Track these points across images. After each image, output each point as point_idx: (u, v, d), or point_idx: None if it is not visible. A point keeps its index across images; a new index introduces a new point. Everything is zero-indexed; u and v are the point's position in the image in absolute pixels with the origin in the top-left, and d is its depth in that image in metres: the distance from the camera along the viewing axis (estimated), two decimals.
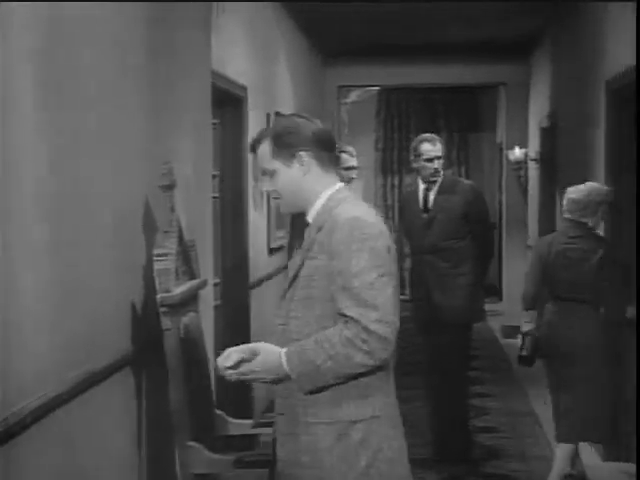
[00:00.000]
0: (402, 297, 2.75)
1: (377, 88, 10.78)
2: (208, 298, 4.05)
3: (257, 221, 5.91)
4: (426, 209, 5.27)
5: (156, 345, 3.19)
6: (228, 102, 5.22)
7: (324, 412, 2.32)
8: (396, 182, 12.71)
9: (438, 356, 5.21)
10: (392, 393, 2.40)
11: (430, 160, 5.20)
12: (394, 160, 12.76)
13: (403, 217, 5.59)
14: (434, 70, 9.39)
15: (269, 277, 6.24)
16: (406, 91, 12.25)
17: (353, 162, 5.19)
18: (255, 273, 5.77)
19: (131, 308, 3.20)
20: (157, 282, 3.13)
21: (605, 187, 4.61)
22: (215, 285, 5.00)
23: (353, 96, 10.15)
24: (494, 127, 12.02)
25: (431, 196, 5.26)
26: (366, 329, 2.24)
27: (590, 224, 4.51)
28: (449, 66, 9.33)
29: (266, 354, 2.33)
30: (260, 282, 5.95)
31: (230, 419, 3.52)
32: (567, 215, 4.54)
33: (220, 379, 4.52)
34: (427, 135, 5.34)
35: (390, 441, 2.35)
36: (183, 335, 3.23)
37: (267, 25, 6.39)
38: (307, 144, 2.40)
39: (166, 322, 3.14)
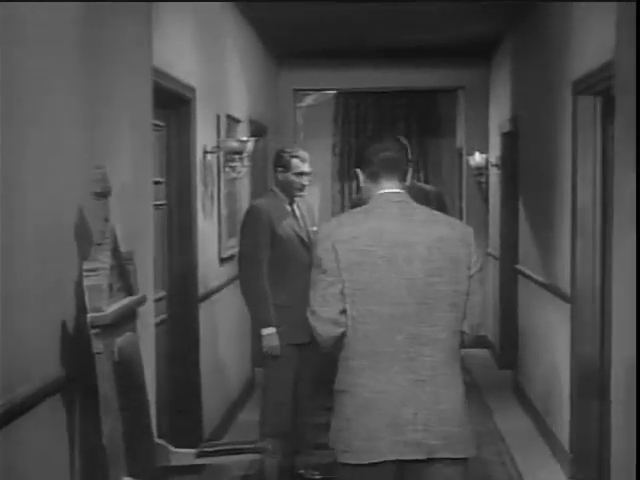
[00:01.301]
0: None
1: (334, 92, 10.51)
2: (148, 315, 3.73)
3: (207, 229, 5.61)
4: None
5: (89, 370, 2.88)
6: (175, 103, 4.91)
7: None
8: (354, 188, 12.44)
9: None
10: (368, 377, 2.71)
11: None
12: (352, 166, 12.49)
13: None
14: (392, 74, 9.14)
15: (220, 288, 5.92)
16: (364, 95, 12.01)
17: (305, 167, 4.92)
18: (205, 284, 5.46)
19: (61, 328, 2.88)
20: (87, 300, 2.82)
21: None
22: (158, 300, 4.70)
23: (309, 100, 9.88)
24: (454, 132, 11.80)
25: None
26: (307, 317, 2.80)
27: None
28: (407, 70, 9.10)
29: None
30: (210, 294, 5.64)
31: (172, 449, 3.21)
32: None
33: (161, 405, 4.21)
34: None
35: (358, 417, 2.71)
36: (117, 358, 2.91)
37: (218, 25, 6.09)
38: (359, 164, 2.97)
39: (97, 345, 2.82)
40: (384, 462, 2.69)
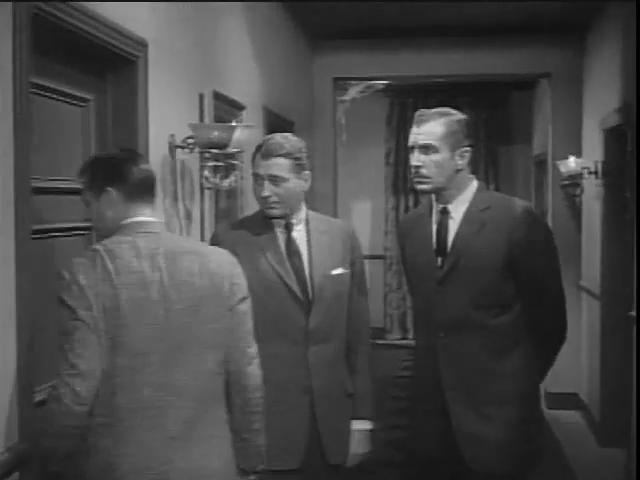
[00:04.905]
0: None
1: (383, 82, 8.67)
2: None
3: None
4: (442, 250, 2.99)
5: None
6: (111, 65, 3.07)
7: None
8: (411, 204, 10.62)
9: None
10: (108, 439, 2.25)
11: (411, 149, 3.03)
12: (408, 177, 10.59)
13: (405, 259, 3.30)
14: (455, 58, 7.33)
15: None
16: (422, 92, 10.18)
17: (262, 168, 2.93)
18: None
19: None
20: None
21: None
22: None
23: (353, 92, 8.05)
24: (528, 136, 9.92)
25: (452, 227, 3.01)
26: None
27: None
28: (475, 53, 7.31)
29: None
30: None
31: None
32: None
33: None
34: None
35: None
36: None
37: None
38: (111, 180, 2.46)
39: None
40: None
